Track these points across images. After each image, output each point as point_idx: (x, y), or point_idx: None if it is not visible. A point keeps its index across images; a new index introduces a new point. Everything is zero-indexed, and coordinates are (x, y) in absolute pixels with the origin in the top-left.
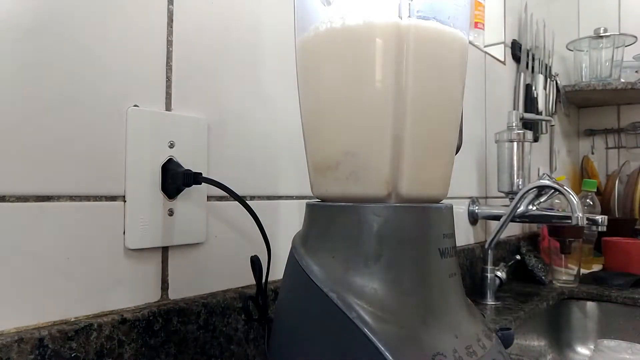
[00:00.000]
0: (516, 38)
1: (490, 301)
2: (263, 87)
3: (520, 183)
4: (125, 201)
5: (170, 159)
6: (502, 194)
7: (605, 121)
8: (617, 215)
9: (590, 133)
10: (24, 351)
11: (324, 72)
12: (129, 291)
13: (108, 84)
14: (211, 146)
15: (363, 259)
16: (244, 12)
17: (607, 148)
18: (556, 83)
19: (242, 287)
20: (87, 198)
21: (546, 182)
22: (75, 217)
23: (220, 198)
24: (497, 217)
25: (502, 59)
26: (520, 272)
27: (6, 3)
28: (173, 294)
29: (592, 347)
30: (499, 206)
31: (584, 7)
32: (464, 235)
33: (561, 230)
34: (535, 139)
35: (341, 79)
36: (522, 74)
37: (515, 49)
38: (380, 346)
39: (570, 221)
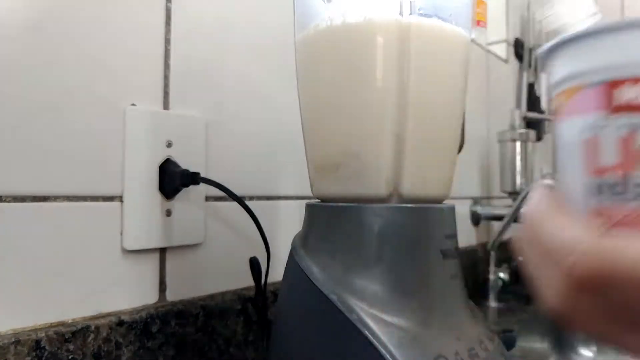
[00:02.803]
0: (519, 36)
1: (492, 303)
2: (262, 85)
3: (523, 183)
4: (122, 202)
5: (168, 158)
6: (505, 194)
7: None
8: None
9: None
10: (21, 353)
11: (324, 71)
12: (127, 293)
13: (105, 83)
14: (209, 146)
15: (364, 260)
16: (242, 9)
17: None
18: None
19: (241, 289)
20: (84, 198)
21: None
22: (72, 218)
23: (219, 198)
24: (499, 218)
25: (505, 57)
26: (523, 274)
27: (4, 2)
28: (171, 296)
29: (594, 349)
30: (502, 206)
31: None
32: (466, 236)
33: None
34: (539, 138)
35: (341, 78)
36: (525, 73)
37: (518, 47)
38: (381, 348)
39: None
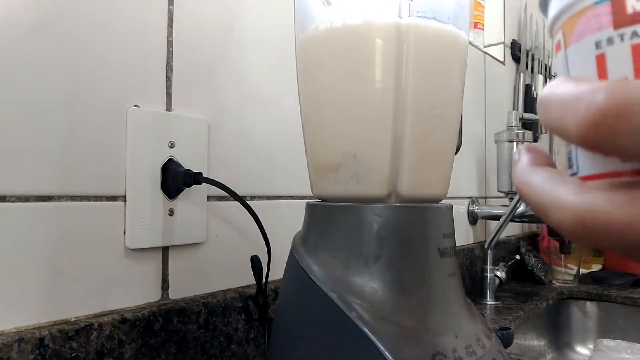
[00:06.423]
0: (516, 38)
1: (490, 301)
2: (263, 86)
3: None
4: (125, 201)
5: (170, 159)
6: (502, 194)
7: None
8: None
9: None
10: (25, 351)
11: (324, 72)
12: (130, 291)
13: (108, 84)
14: (211, 146)
15: (363, 258)
16: (244, 12)
17: None
18: None
19: (242, 287)
20: (88, 198)
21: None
22: (75, 217)
23: (221, 198)
24: (496, 217)
25: (502, 59)
26: (519, 272)
27: (6, 3)
28: (173, 294)
29: (591, 346)
30: (499, 206)
31: None
32: (464, 235)
33: None
34: (535, 139)
35: (341, 79)
36: (522, 74)
37: (515, 49)
38: (380, 346)
39: None
